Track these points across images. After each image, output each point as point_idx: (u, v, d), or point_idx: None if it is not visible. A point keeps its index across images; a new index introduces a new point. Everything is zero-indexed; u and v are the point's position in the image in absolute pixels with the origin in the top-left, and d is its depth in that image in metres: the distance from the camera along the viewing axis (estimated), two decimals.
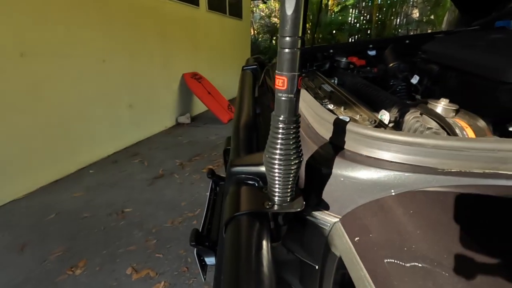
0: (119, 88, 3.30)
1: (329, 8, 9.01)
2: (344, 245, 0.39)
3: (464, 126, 0.55)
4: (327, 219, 0.45)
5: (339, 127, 0.46)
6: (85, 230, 2.05)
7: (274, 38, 9.45)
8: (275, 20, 9.76)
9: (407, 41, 1.49)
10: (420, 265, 0.31)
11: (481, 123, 0.57)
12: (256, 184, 0.43)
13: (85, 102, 2.89)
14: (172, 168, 2.98)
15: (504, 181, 0.34)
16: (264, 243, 0.33)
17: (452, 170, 0.36)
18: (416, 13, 8.84)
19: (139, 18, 3.48)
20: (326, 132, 0.49)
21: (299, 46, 0.30)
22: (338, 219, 0.43)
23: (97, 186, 2.64)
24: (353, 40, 9.12)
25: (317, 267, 0.48)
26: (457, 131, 0.54)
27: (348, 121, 0.45)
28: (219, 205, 1.14)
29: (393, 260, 0.33)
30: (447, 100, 0.59)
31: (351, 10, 9.03)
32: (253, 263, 0.30)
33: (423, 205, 0.36)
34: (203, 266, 0.96)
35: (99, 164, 3.04)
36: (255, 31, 9.67)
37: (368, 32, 8.96)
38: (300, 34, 0.29)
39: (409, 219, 0.35)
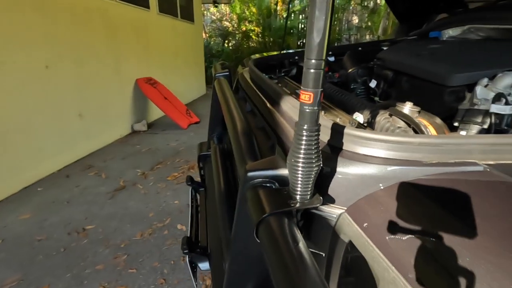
0: (66, 96, 3.03)
1: (278, 13, 9.36)
2: (354, 232, 0.46)
3: (426, 124, 0.67)
4: (333, 211, 0.51)
5: (337, 131, 0.53)
6: (42, 254, 1.86)
7: (227, 41, 9.50)
8: (226, 23, 9.81)
9: (359, 48, 1.67)
10: (416, 239, 0.39)
11: (439, 121, 0.70)
12: (273, 186, 0.48)
13: (27, 113, 2.60)
14: (133, 178, 2.84)
15: (471, 167, 0.44)
16: (299, 236, 0.38)
17: (433, 162, 0.46)
18: (356, 20, 9.67)
19: (85, 20, 3.24)
20: (325, 136, 0.56)
21: (323, 67, 0.35)
22: (343, 210, 0.50)
23: (48, 204, 2.40)
24: (301, 43, 9.61)
25: (324, 254, 0.55)
26: (422, 128, 0.66)
27: (345, 126, 0.52)
28: (204, 211, 1.16)
29: (397, 237, 0.41)
30: (412, 103, 0.71)
31: (298, 15, 9.50)
32: (297, 257, 0.35)
33: (414, 192, 0.44)
34: (195, 272, 0.97)
35: (49, 180, 2.76)
36: (207, 35, 9.60)
37: None
38: (324, 57, 0.35)
39: (405, 204, 0.44)
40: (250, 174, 0.49)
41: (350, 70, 1.39)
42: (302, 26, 9.64)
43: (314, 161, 0.41)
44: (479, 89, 0.81)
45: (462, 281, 0.33)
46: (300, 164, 0.40)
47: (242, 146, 0.61)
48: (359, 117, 0.82)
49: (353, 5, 9.17)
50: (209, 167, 1.38)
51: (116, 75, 3.83)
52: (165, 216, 2.26)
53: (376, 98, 1.23)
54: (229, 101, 0.87)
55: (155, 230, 2.11)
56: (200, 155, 1.48)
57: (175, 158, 3.31)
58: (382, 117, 0.76)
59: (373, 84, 1.23)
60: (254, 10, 9.21)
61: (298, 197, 0.43)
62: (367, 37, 8.94)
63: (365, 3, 8.88)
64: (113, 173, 2.93)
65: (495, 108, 0.75)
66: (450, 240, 0.37)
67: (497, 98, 0.77)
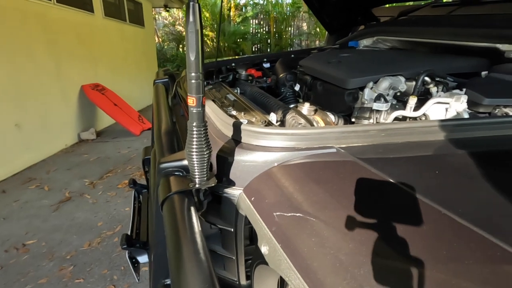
0: (0, 105, 2.83)
1: (231, 18, 9.54)
2: (247, 206, 0.59)
3: (318, 120, 0.83)
4: (234, 192, 0.64)
5: (237, 127, 0.66)
6: None
7: (181, 46, 9.41)
8: (180, 28, 9.72)
9: (292, 56, 1.86)
10: (294, 213, 0.52)
11: (330, 117, 0.87)
12: (181, 174, 0.58)
13: None
14: (80, 189, 2.74)
15: (328, 150, 0.59)
16: (193, 212, 0.49)
17: (302, 147, 0.60)
18: (305, 26, 10.22)
19: (20, 24, 3.05)
20: (229, 132, 0.68)
21: (201, 78, 0.47)
22: (241, 190, 0.63)
23: None
24: (256, 48, 9.89)
25: (232, 229, 0.67)
26: (314, 123, 0.82)
27: (243, 123, 0.65)
28: (145, 211, 1.22)
29: (277, 210, 0.54)
30: (308, 104, 0.87)
31: (251, 21, 9.78)
32: (188, 226, 0.46)
33: (289, 171, 0.58)
34: (136, 267, 1.04)
35: None
36: (160, 39, 9.42)
37: (268, 41, 9.88)
38: (201, 71, 0.47)
39: (284, 182, 0.57)
40: (162, 165, 0.59)
41: (280, 76, 1.55)
42: (256, 31, 9.93)
43: (205, 150, 0.52)
44: (366, 91, 1.01)
45: (309, 226, 0.46)
46: (194, 153, 0.52)
47: (163, 143, 0.71)
48: (273, 117, 0.97)
49: (302, 13, 9.69)
50: None
51: (58, 82, 3.64)
52: (115, 224, 2.23)
53: (301, 100, 1.40)
54: (160, 105, 0.96)
55: (104, 238, 2.08)
56: (145, 159, 1.53)
57: (127, 165, 3.25)
58: (290, 116, 0.91)
59: (297, 88, 1.40)
60: (207, 15, 9.28)
61: (196, 179, 0.54)
62: (317, 42, 9.51)
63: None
64: (57, 185, 2.79)
65: (376, 106, 0.94)
66: (305, 198, 0.51)
67: (378, 98, 0.96)
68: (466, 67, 1.09)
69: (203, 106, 0.50)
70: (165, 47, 9.41)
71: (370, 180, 0.51)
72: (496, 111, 0.84)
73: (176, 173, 0.58)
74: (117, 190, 2.72)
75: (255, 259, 0.59)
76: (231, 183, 0.64)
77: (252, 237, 0.67)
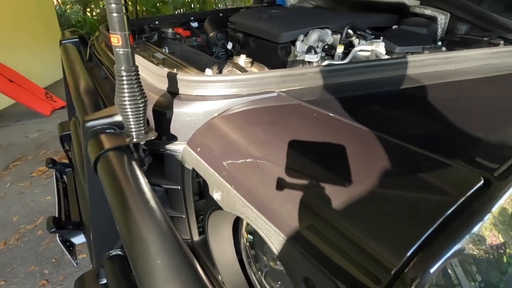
0: None
1: None
2: (193, 158, 0.56)
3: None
4: (177, 147, 0.60)
5: (172, 78, 0.61)
6: None
7: (88, 9, 8.07)
8: None
9: (221, 14, 1.77)
10: (243, 156, 0.51)
11: (266, 69, 0.87)
12: (114, 131, 0.52)
13: None
14: None
15: (270, 94, 0.60)
16: (136, 167, 0.45)
17: (244, 93, 0.59)
18: None
19: None
20: (163, 84, 0.63)
21: (123, 11, 0.40)
22: (185, 144, 0.59)
23: None
24: (178, 13, 9.15)
25: (179, 187, 0.64)
26: None
27: (178, 73, 0.60)
28: (73, 190, 1.08)
29: (226, 155, 0.53)
30: (244, 56, 0.85)
31: None
32: (133, 184, 0.41)
33: (232, 118, 0.57)
34: (71, 251, 0.94)
35: None
36: (59, 1, 7.88)
37: (191, 5, 9.21)
38: (123, 3, 0.40)
39: (229, 129, 0.56)
40: (88, 124, 0.51)
41: (210, 35, 1.47)
42: None
43: (139, 98, 0.47)
44: (298, 44, 1.03)
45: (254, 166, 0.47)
46: (126, 103, 0.46)
47: (85, 104, 0.61)
48: (209, 72, 0.92)
49: None
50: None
51: None
52: (35, 216, 1.95)
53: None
54: (75, 64, 0.82)
55: (24, 234, 1.81)
56: (63, 135, 1.33)
57: (39, 150, 2.79)
58: (226, 70, 0.88)
59: (229, 46, 1.36)
60: None
61: (133, 133, 0.49)
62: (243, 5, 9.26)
63: None
64: None
65: (308, 57, 0.98)
66: (252, 141, 0.51)
67: (309, 50, 1.00)
68: (381, 21, 1.20)
69: (131, 46, 0.43)
70: (68, 10, 7.94)
71: (313, 118, 0.53)
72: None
73: (107, 131, 0.51)
74: (31, 179, 2.34)
75: (208, 208, 0.58)
76: (173, 138, 0.59)
77: (200, 191, 0.66)
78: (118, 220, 0.39)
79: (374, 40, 0.96)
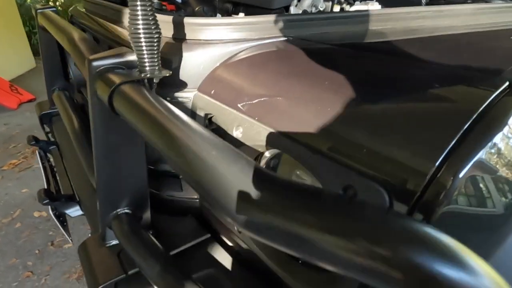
0: None
1: None
2: (206, 102, 0.55)
3: None
4: (188, 95, 0.58)
5: (179, 23, 0.58)
6: None
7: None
8: None
9: None
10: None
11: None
12: (123, 70, 0.49)
13: None
14: None
15: (274, 39, 0.59)
16: (160, 98, 0.42)
17: (255, 38, 0.58)
18: None
19: None
20: (168, 32, 0.60)
21: None
22: (195, 91, 0.57)
23: None
24: None
25: None
26: None
27: (184, 16, 0.58)
28: (62, 166, 1.02)
29: (244, 92, 0.51)
30: (243, 14, 0.83)
31: None
32: (159, 105, 0.39)
33: (246, 60, 0.56)
34: (65, 226, 0.88)
35: None
36: None
37: None
38: None
39: (244, 71, 0.55)
40: (95, 63, 0.48)
41: (197, 9, 1.43)
42: None
43: (153, 29, 0.44)
44: (292, 9, 1.03)
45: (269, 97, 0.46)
46: (141, 33, 0.43)
47: (81, 49, 0.57)
48: None
49: None
50: (59, 124, 1.19)
51: None
52: (12, 210, 1.82)
53: None
54: (58, 22, 0.76)
55: (1, 227, 1.68)
56: (42, 114, 1.25)
57: (9, 144, 2.60)
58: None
59: None
60: None
61: (147, 68, 0.46)
62: None
63: None
64: None
65: None
66: (268, 78, 0.50)
67: None
68: None
69: None
70: (29, 0, 7.37)
71: (330, 54, 0.53)
72: None
73: (116, 70, 0.48)
74: (3, 173, 2.18)
75: None
76: (183, 85, 0.57)
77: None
78: (162, 141, 0.36)
79: (368, 1, 0.98)
